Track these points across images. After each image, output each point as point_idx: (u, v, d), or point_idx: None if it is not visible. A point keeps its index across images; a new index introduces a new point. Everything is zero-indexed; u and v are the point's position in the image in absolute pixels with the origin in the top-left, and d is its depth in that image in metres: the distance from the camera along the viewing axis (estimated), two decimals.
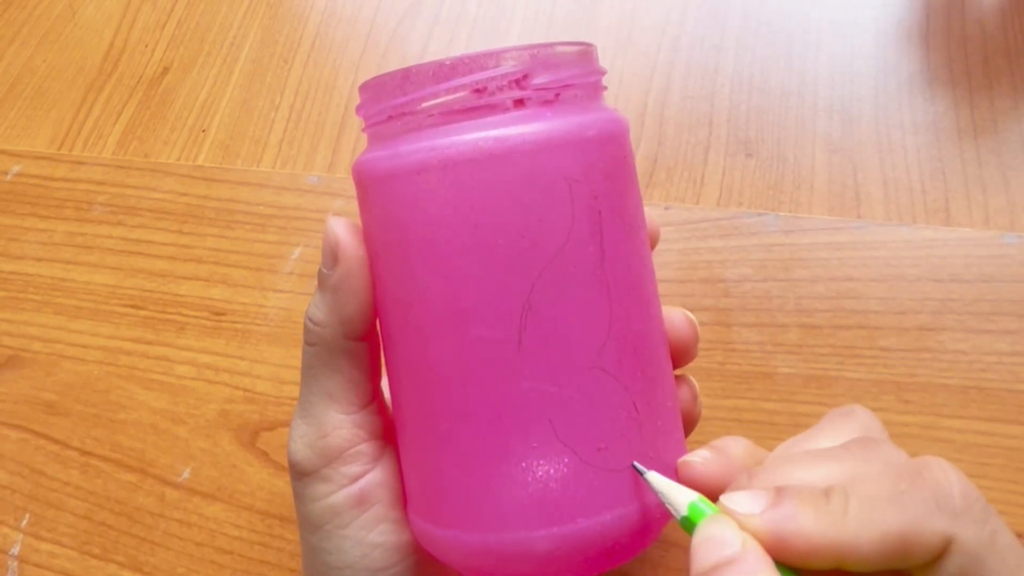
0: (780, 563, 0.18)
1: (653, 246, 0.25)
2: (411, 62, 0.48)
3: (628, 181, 0.23)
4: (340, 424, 0.24)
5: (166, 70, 0.51)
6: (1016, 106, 0.39)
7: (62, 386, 0.41)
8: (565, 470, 0.21)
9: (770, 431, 0.34)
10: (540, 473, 0.21)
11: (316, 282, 0.24)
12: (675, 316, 0.25)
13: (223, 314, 0.41)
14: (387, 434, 0.25)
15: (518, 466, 0.21)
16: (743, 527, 0.18)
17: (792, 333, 0.36)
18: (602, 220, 0.21)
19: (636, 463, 0.21)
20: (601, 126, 0.22)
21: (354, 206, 0.43)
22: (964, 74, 0.40)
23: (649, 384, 0.22)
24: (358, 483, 0.24)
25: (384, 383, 0.25)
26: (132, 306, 0.43)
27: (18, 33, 0.54)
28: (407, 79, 0.21)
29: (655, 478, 0.20)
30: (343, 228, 0.23)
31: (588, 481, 0.21)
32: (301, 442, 0.24)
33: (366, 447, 0.24)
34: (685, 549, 0.28)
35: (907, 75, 0.41)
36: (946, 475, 0.18)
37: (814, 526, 0.18)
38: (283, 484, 0.37)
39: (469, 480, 0.21)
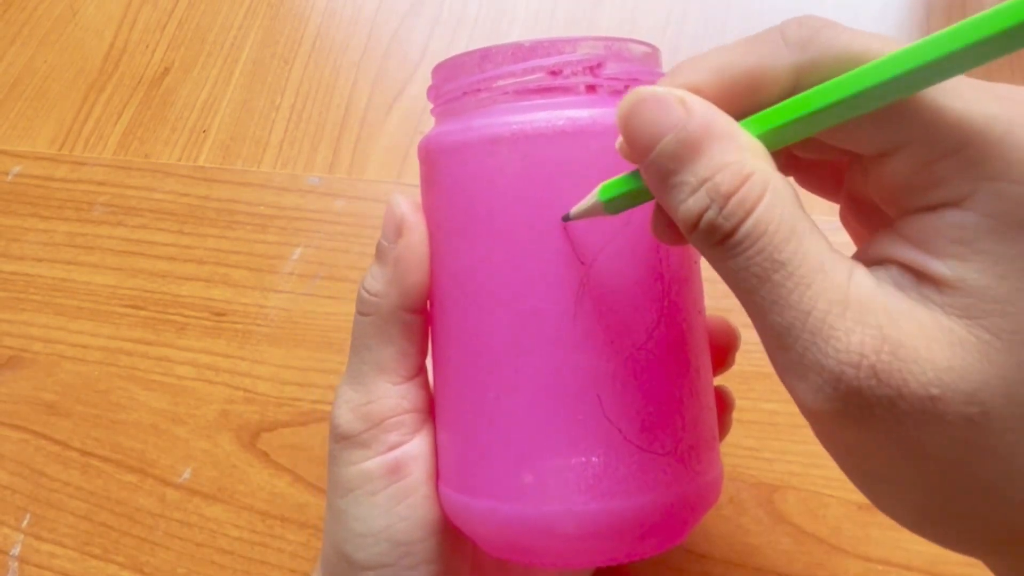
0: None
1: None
2: (412, 63, 0.48)
3: None
4: (386, 393, 0.24)
5: (167, 70, 0.51)
6: None
7: (63, 387, 0.41)
8: (608, 447, 0.21)
9: (770, 432, 0.34)
10: (583, 447, 0.21)
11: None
12: (717, 322, 0.26)
13: (224, 315, 0.41)
14: (429, 409, 0.25)
15: (562, 439, 0.21)
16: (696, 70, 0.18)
17: None
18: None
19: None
20: None
21: (354, 207, 0.43)
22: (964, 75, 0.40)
23: (693, 376, 0.23)
24: (394, 452, 0.24)
25: (428, 362, 0.26)
26: (133, 306, 0.43)
27: (19, 34, 0.54)
28: (486, 58, 0.22)
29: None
30: (407, 203, 0.24)
31: (629, 460, 0.21)
32: (346, 407, 0.24)
33: (408, 418, 0.24)
34: (687, 550, 0.28)
35: None
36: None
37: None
38: (284, 485, 0.37)
39: (511, 451, 0.21)
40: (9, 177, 0.49)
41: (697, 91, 0.18)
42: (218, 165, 0.46)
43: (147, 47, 0.52)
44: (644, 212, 0.21)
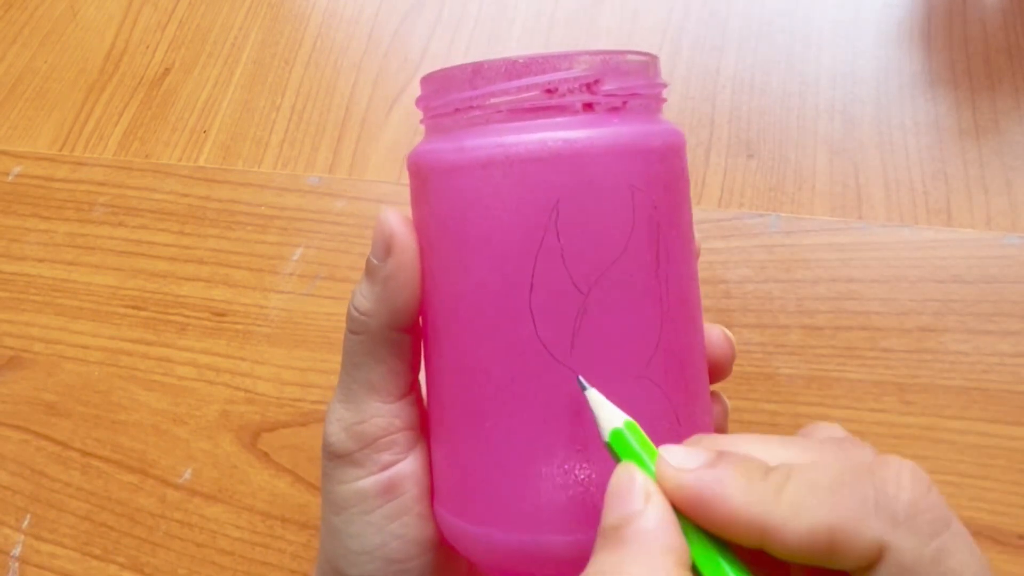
0: (702, 528, 0.18)
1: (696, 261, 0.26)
2: (412, 63, 0.48)
3: (684, 196, 0.23)
4: (378, 412, 0.24)
5: (167, 71, 0.51)
6: (1018, 107, 0.39)
7: (63, 387, 0.41)
8: (607, 476, 0.21)
9: (771, 432, 0.34)
10: (582, 477, 0.21)
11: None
12: (714, 333, 0.25)
13: (224, 315, 0.41)
14: (422, 426, 0.25)
15: (560, 468, 0.21)
16: (667, 480, 0.18)
17: (793, 334, 0.36)
18: (660, 231, 0.21)
19: (580, 377, 0.20)
20: (664, 138, 0.22)
21: (355, 207, 0.43)
22: (966, 75, 0.40)
23: (691, 397, 0.22)
24: (388, 471, 0.24)
25: (421, 376, 0.26)
26: (133, 307, 0.43)
27: (19, 34, 0.54)
28: (478, 73, 0.21)
29: (593, 395, 0.20)
30: (397, 220, 0.23)
31: None
32: (338, 425, 0.24)
33: (401, 437, 0.24)
34: None
35: (909, 76, 0.41)
36: (898, 477, 0.17)
37: (741, 497, 0.17)
38: (284, 485, 0.37)
39: (507, 479, 0.21)
40: (10, 177, 0.49)
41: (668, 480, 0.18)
42: (218, 165, 0.46)
43: (148, 47, 0.52)
44: (641, 237, 0.21)
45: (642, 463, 0.19)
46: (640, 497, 0.18)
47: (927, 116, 0.40)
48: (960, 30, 0.41)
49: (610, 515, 0.18)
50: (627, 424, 0.19)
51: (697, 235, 0.38)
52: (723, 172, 0.40)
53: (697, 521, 0.18)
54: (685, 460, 0.18)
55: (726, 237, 0.38)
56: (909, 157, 0.39)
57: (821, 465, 0.18)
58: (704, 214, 0.39)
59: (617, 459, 0.19)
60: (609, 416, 0.20)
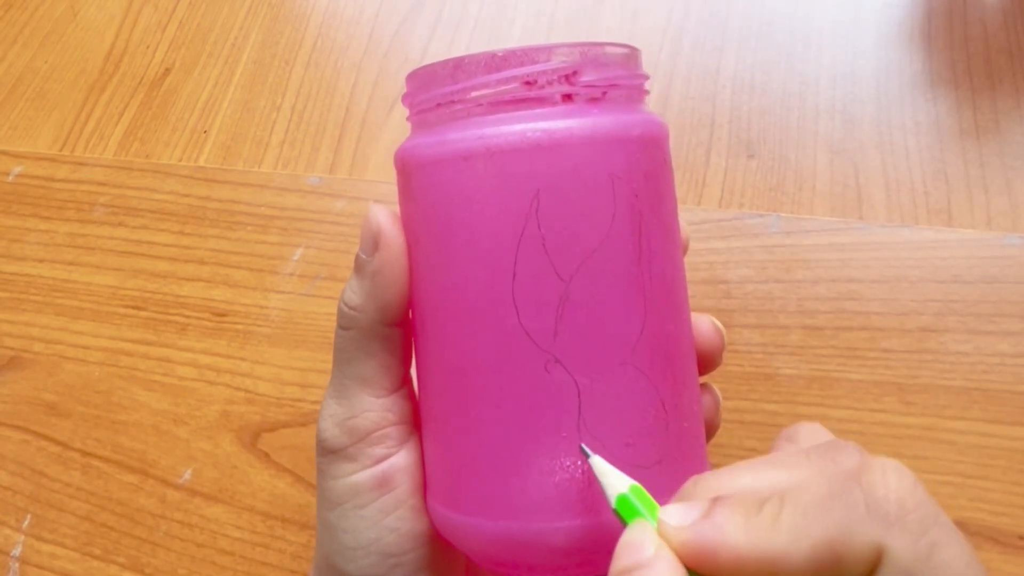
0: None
1: (683, 253, 0.26)
2: (413, 63, 0.48)
3: (666, 185, 0.23)
4: (370, 406, 0.24)
5: (167, 71, 0.51)
6: (1019, 107, 0.39)
7: (63, 387, 0.41)
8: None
9: (772, 433, 0.34)
10: (568, 464, 0.21)
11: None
12: (703, 323, 0.26)
13: (224, 315, 0.41)
14: (414, 420, 0.25)
15: (546, 456, 0.21)
16: (671, 540, 0.18)
17: (794, 334, 0.36)
18: (641, 219, 0.21)
19: (583, 445, 0.21)
20: (645, 127, 0.22)
21: (355, 207, 0.43)
22: (966, 75, 0.40)
23: (678, 386, 0.22)
24: (381, 465, 0.24)
25: (412, 369, 0.26)
26: (133, 307, 0.43)
27: (20, 34, 0.55)
28: (459, 68, 0.22)
29: (597, 462, 0.20)
30: (384, 215, 0.23)
31: None
32: (331, 420, 0.24)
33: (393, 431, 0.24)
34: None
35: (909, 76, 0.41)
36: (884, 478, 0.17)
37: (743, 537, 0.17)
38: (284, 485, 0.37)
39: (495, 468, 0.21)
40: (10, 178, 0.49)
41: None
42: (219, 166, 0.46)
43: (148, 48, 0.52)
44: (622, 225, 0.21)
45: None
46: (650, 549, 0.18)
47: (927, 116, 0.40)
48: (960, 30, 0.41)
49: (620, 562, 0.18)
50: (632, 488, 0.20)
51: (697, 235, 0.38)
52: (723, 172, 0.40)
53: (708, 572, 0.18)
54: (683, 517, 0.18)
55: (726, 237, 0.38)
56: (909, 157, 0.39)
57: (810, 483, 0.18)
58: (704, 214, 0.39)
59: (624, 523, 0.19)
60: (614, 483, 0.20)
